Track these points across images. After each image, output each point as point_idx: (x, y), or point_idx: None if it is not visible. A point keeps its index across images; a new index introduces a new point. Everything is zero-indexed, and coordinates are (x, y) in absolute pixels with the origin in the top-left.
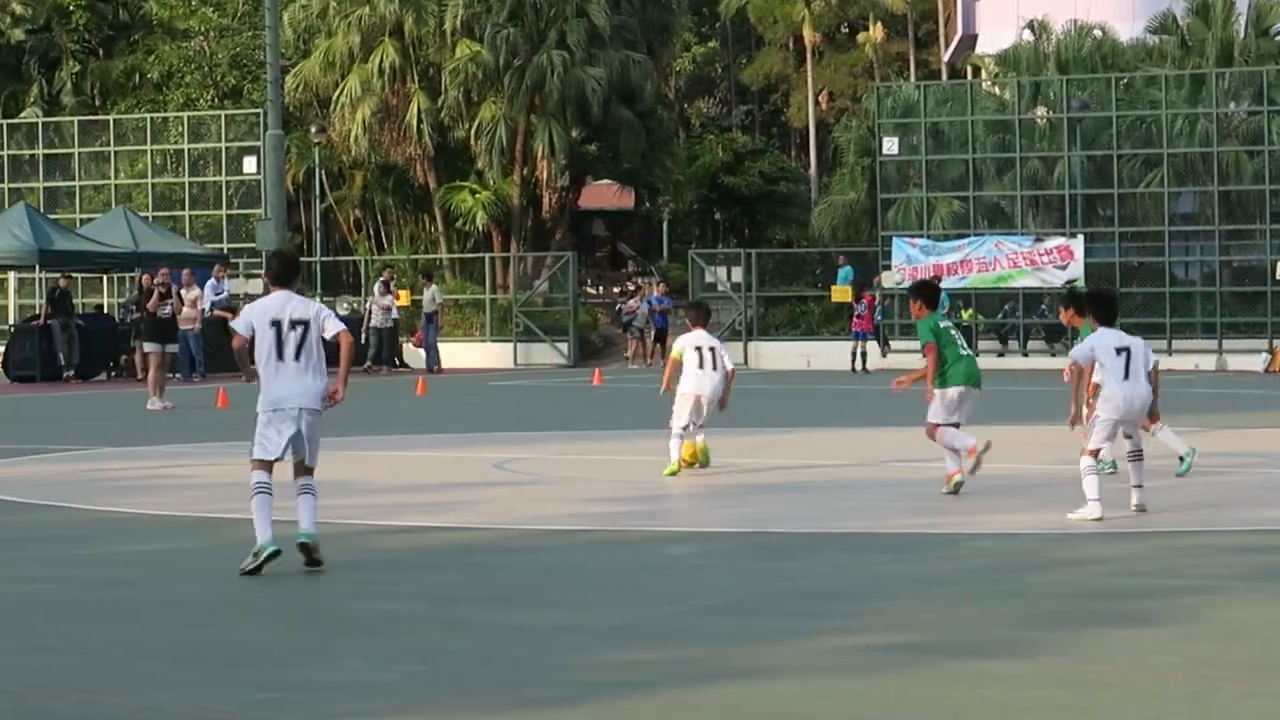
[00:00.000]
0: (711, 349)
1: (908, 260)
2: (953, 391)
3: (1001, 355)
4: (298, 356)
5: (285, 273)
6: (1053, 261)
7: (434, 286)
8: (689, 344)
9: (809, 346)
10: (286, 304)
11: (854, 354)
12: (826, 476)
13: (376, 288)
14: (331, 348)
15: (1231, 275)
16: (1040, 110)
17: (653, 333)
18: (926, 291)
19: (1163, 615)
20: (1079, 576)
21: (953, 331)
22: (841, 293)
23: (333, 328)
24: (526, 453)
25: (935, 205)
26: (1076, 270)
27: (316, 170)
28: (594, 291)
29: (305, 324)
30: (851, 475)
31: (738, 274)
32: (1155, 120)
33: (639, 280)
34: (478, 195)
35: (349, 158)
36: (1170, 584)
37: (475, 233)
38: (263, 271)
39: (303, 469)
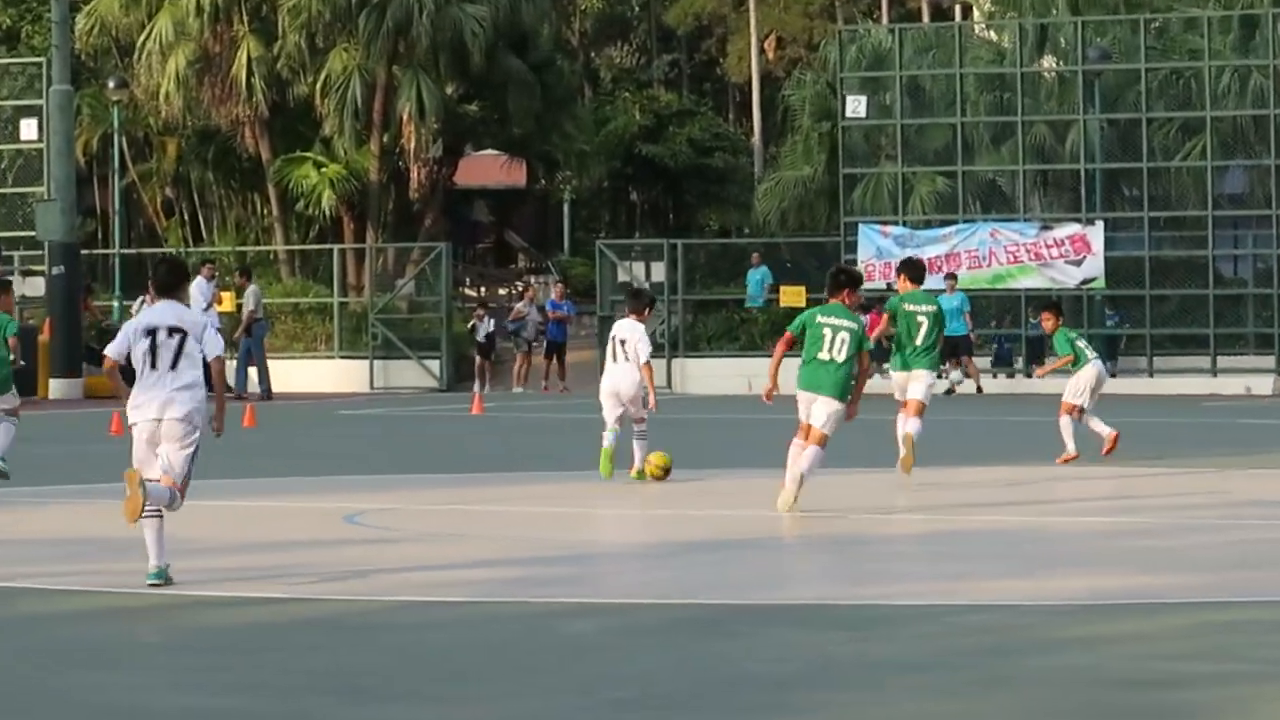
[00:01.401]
0: (622, 341)
1: (878, 254)
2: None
3: (1012, 377)
4: (173, 366)
5: (171, 280)
6: (1064, 256)
7: (253, 286)
8: (611, 334)
9: (751, 364)
10: (166, 314)
11: None
12: (770, 532)
13: (194, 288)
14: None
15: None
16: (1048, 61)
17: (543, 346)
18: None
19: (1209, 710)
20: (1096, 660)
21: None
22: (794, 295)
23: (213, 348)
24: (387, 501)
25: (914, 183)
26: (1095, 267)
27: (116, 137)
28: (474, 294)
29: (183, 333)
30: (803, 530)
31: (659, 271)
32: (1195, 74)
33: (531, 279)
34: (324, 170)
35: (158, 121)
36: (1215, 670)
37: (321, 218)
38: (150, 278)
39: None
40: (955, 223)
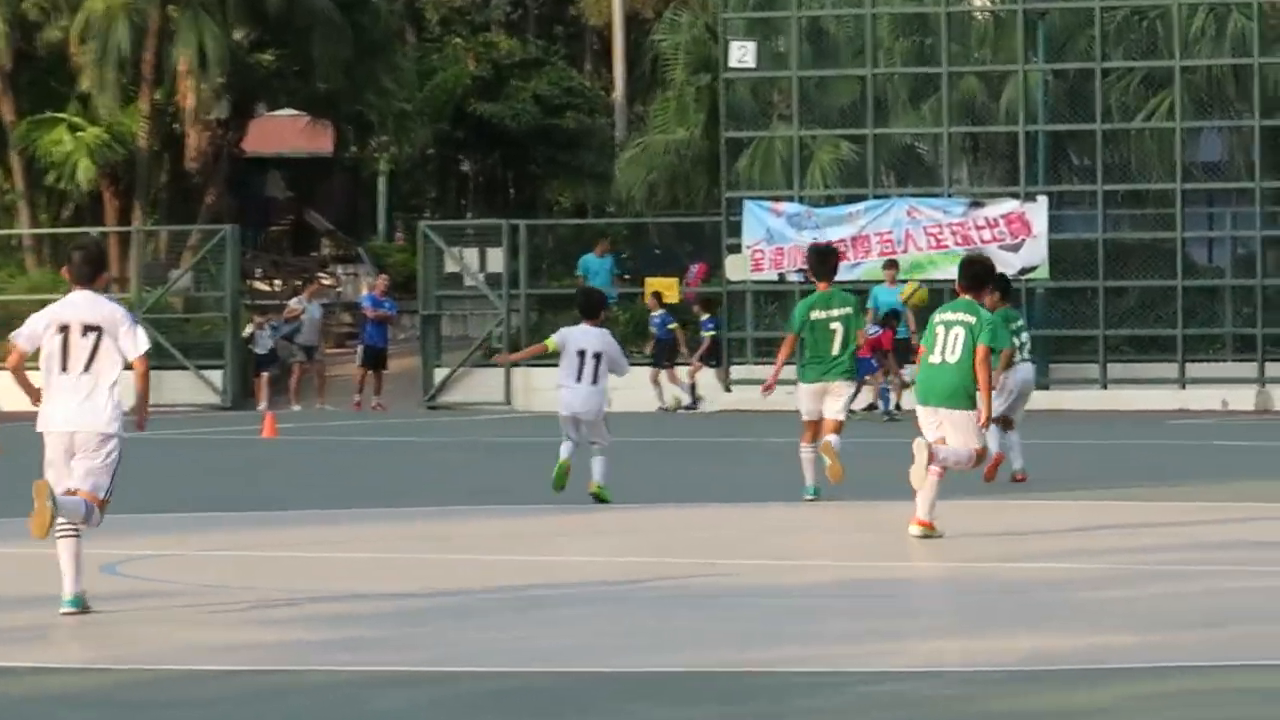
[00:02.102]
0: (595, 355)
1: (767, 237)
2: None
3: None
4: (86, 369)
5: (87, 270)
6: (998, 239)
7: None
8: (572, 343)
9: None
10: (81, 307)
11: (692, 386)
12: (641, 580)
13: None
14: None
15: None
16: (980, 0)
17: (360, 352)
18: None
19: None
20: None
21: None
22: (665, 286)
23: (135, 346)
24: (154, 546)
25: (813, 150)
26: (1036, 252)
27: None
28: (266, 287)
29: (99, 331)
30: (664, 577)
31: (496, 259)
32: (1162, 15)
33: (338, 269)
34: (80, 135)
35: None
36: None
37: (77, 193)
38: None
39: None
40: (864, 198)
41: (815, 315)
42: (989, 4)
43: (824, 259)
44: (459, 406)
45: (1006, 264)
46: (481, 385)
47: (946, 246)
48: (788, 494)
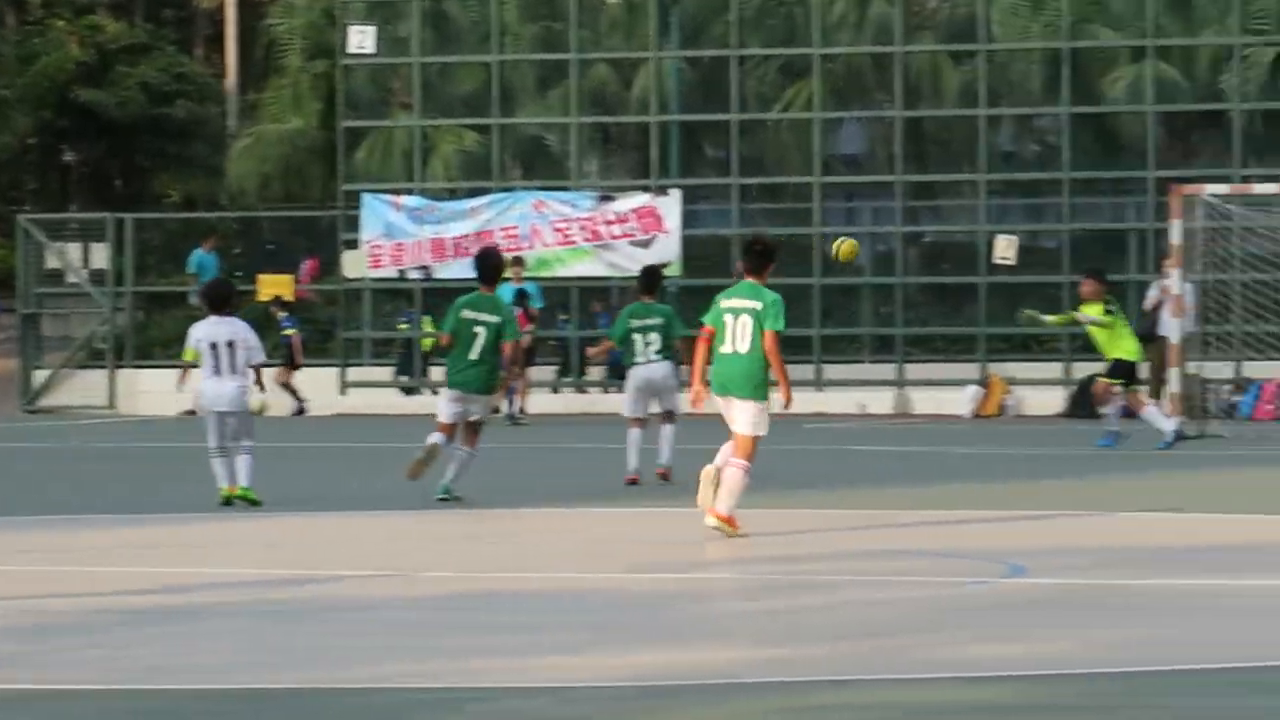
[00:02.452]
0: (229, 344)
1: (387, 231)
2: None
3: (560, 390)
4: None
5: None
6: (629, 234)
7: None
8: (204, 338)
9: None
10: None
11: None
12: (250, 593)
13: None
14: None
15: (922, 257)
16: None
17: None
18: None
19: None
20: None
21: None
22: (279, 284)
23: None
24: None
25: (435, 140)
26: (669, 248)
27: None
28: None
29: None
30: (285, 593)
31: (101, 255)
32: (801, 1)
33: None
34: None
35: None
36: None
37: None
38: None
39: None
40: (489, 191)
41: (465, 315)
42: None
43: (483, 261)
44: (60, 410)
45: (637, 260)
46: (84, 388)
47: (575, 242)
48: (417, 502)
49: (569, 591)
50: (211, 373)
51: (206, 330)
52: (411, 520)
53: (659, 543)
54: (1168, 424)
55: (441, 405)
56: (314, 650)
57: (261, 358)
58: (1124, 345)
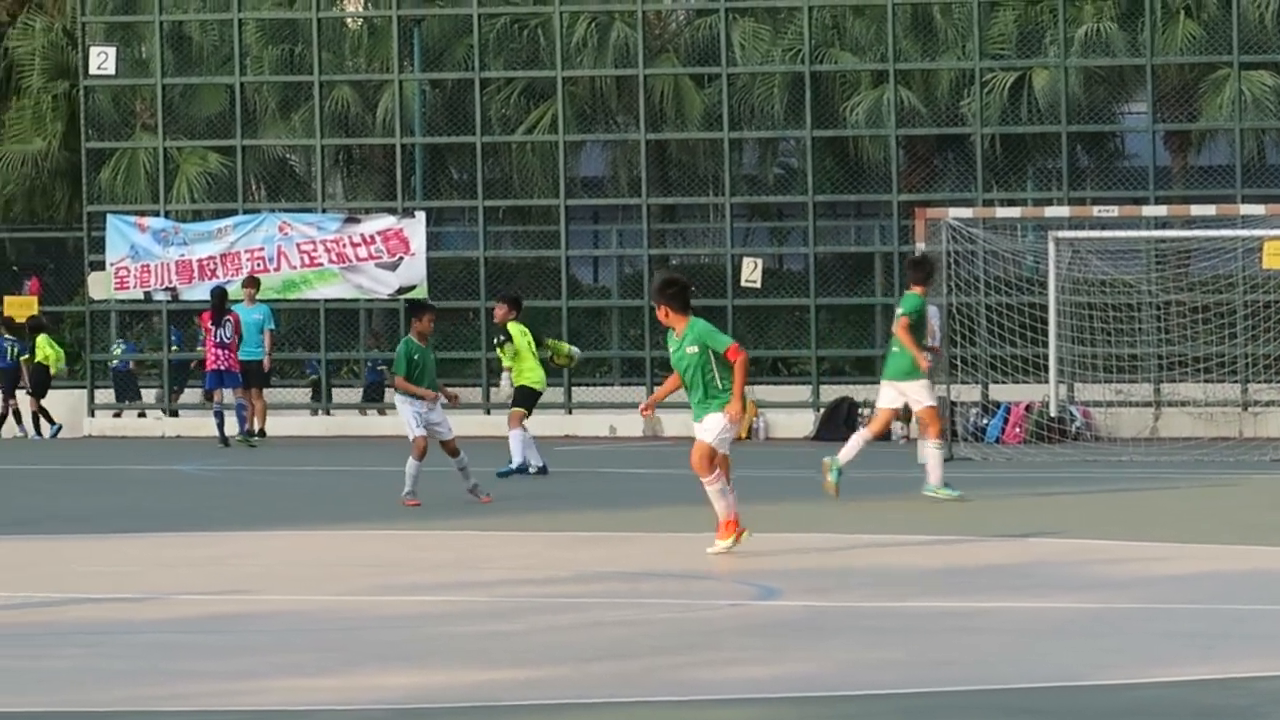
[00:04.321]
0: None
1: (132, 253)
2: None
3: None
4: None
5: None
6: (375, 256)
7: None
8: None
9: None
10: None
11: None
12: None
13: None
14: None
15: None
16: (353, 5)
17: None
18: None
19: None
20: None
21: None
22: (24, 305)
23: None
24: None
25: (179, 162)
26: (415, 271)
27: None
28: None
29: None
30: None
31: None
32: (543, 23)
33: None
34: None
35: None
36: None
37: None
38: None
39: None
40: (235, 213)
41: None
42: (362, 10)
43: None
44: None
45: (384, 283)
46: None
47: (321, 264)
48: (159, 523)
49: (312, 613)
50: None
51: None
52: (141, 542)
53: (405, 564)
54: (519, 456)
55: None
56: (70, 673)
57: None
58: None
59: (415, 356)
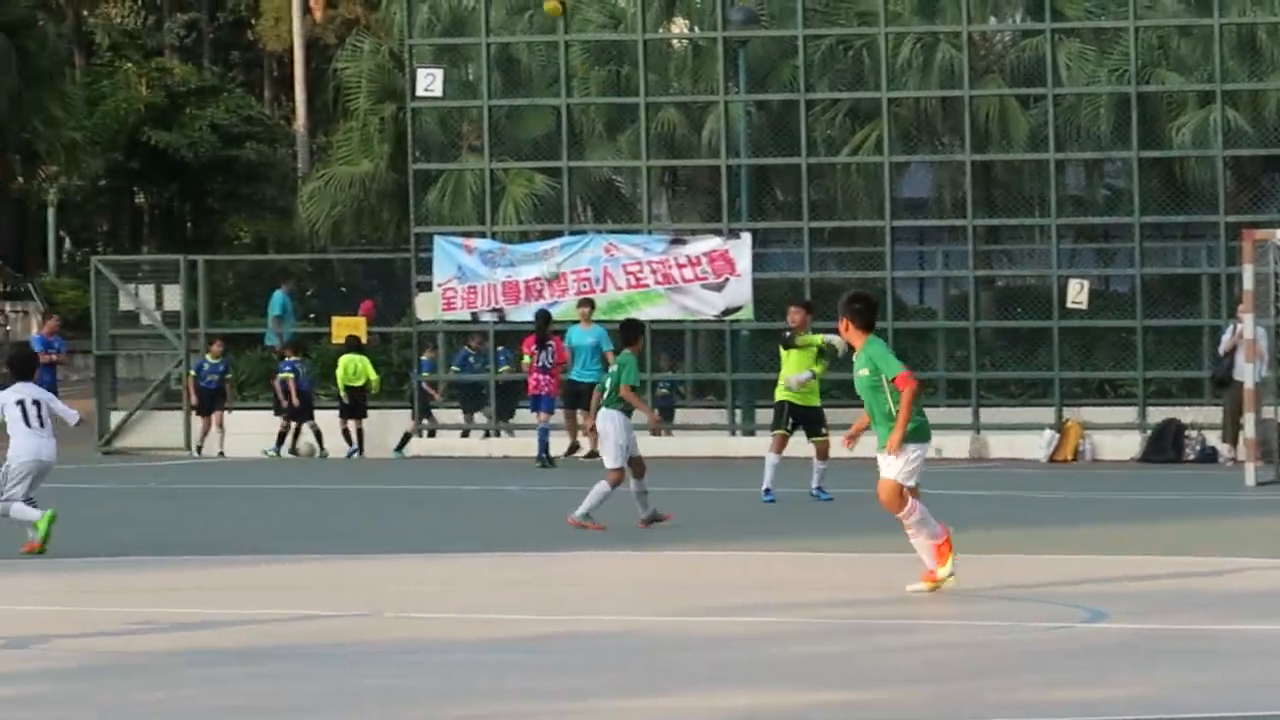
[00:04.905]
0: (35, 402)
1: (459, 274)
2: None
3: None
4: None
5: None
6: (701, 278)
7: None
8: (12, 395)
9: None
10: None
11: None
12: (316, 637)
13: None
14: None
15: (995, 301)
16: (679, 26)
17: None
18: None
19: None
20: None
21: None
22: (353, 325)
23: None
24: None
25: (505, 183)
26: (740, 292)
27: None
28: None
29: None
30: (355, 634)
31: (174, 297)
32: (868, 44)
33: (5, 307)
34: None
35: None
36: None
37: None
38: None
39: None
40: (560, 234)
41: None
42: (687, 32)
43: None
44: (136, 451)
45: (710, 304)
46: (160, 429)
47: (647, 285)
48: (489, 544)
49: (636, 632)
50: (31, 425)
51: (14, 390)
52: (467, 562)
53: (724, 585)
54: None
55: None
56: (382, 693)
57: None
58: None
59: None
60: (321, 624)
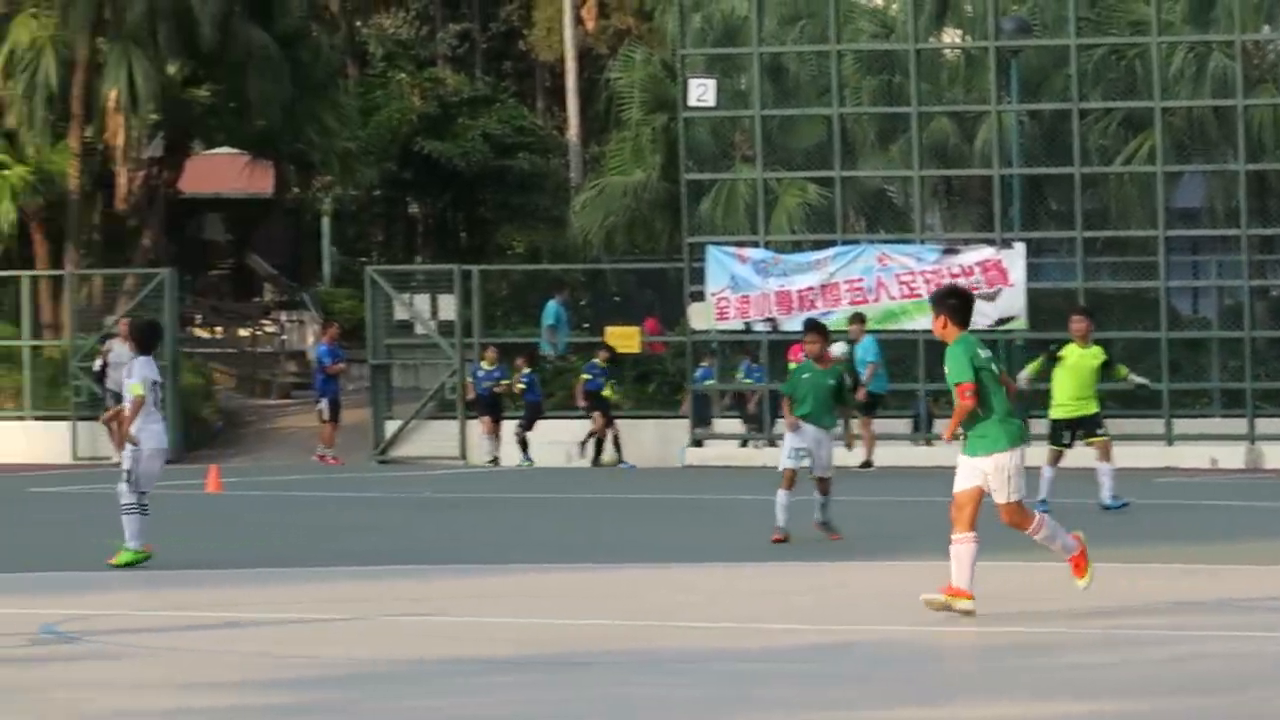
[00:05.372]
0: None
1: (732, 284)
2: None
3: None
4: None
5: None
6: (974, 287)
7: None
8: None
9: (577, 427)
10: None
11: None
12: (583, 644)
13: None
14: None
15: (1270, 311)
16: (950, 36)
17: (325, 406)
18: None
19: None
20: None
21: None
22: (624, 336)
23: None
24: (95, 606)
25: (778, 193)
26: (1014, 301)
27: None
28: (206, 333)
29: None
30: (619, 642)
31: (448, 306)
32: (1141, 53)
33: (282, 316)
34: (6, 173)
35: None
36: None
37: (2, 236)
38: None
39: None
40: (833, 244)
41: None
42: (959, 41)
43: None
44: (411, 460)
45: (983, 314)
46: (435, 438)
47: (920, 295)
48: (761, 554)
49: (900, 642)
50: (158, 412)
51: (151, 368)
52: (734, 572)
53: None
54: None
55: None
56: (656, 701)
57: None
58: None
59: (805, 375)
60: (588, 632)
